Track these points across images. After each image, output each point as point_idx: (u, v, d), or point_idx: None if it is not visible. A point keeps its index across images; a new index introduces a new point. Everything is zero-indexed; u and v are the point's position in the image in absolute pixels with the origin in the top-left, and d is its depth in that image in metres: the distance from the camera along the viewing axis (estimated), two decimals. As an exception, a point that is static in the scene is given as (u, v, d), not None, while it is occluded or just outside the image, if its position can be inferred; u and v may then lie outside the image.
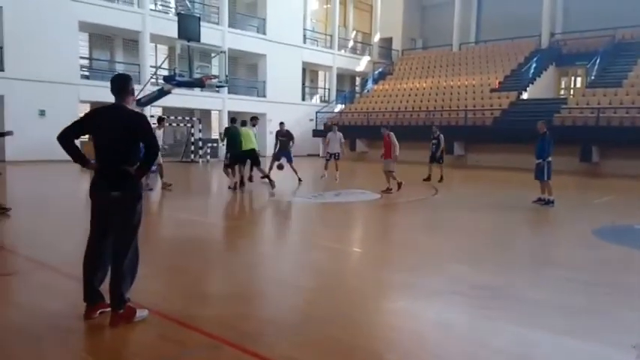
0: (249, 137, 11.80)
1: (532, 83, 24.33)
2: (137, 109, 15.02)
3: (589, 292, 4.76)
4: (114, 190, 3.54)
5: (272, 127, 24.63)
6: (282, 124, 13.92)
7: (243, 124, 12.22)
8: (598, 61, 22.77)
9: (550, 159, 9.81)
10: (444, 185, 13.79)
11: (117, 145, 3.58)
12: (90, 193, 3.66)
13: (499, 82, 24.87)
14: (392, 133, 11.71)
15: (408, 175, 14.35)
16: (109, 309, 3.60)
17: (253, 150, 11.83)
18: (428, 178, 14.50)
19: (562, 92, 27.03)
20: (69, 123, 3.70)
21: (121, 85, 3.69)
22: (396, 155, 11.58)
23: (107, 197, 3.56)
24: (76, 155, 3.62)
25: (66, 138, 3.58)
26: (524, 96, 23.58)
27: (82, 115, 4.01)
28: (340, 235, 7.48)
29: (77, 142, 3.71)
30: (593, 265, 5.86)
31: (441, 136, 14.65)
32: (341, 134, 14.81)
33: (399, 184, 11.64)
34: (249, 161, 12.00)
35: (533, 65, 24.68)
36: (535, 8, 26.85)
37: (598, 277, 5.26)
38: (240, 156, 11.77)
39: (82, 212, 8.25)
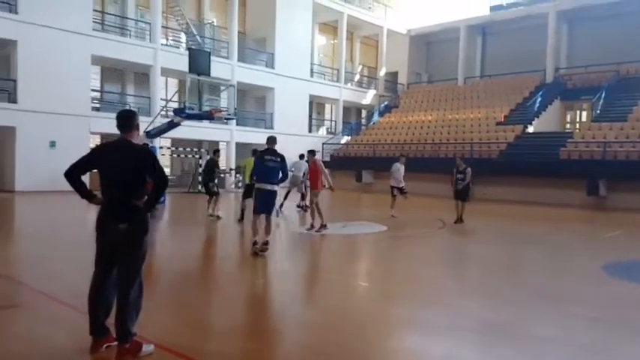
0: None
1: (537, 117, 24.45)
2: (147, 141, 14.93)
3: (597, 329, 4.69)
4: (122, 223, 3.57)
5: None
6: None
7: (254, 153, 11.88)
8: (603, 95, 22.93)
9: None
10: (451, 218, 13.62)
11: (123, 180, 3.63)
12: (97, 227, 3.70)
13: (505, 116, 24.99)
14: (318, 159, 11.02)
15: (415, 206, 14.31)
16: (115, 343, 3.59)
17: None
18: (459, 220, 12.51)
19: (568, 126, 27.13)
20: (79, 154, 3.77)
21: (127, 120, 3.76)
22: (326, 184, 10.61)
23: (115, 231, 3.58)
24: (83, 191, 3.68)
25: (73, 175, 3.65)
26: (530, 129, 23.67)
27: (89, 150, 4.08)
28: (346, 269, 7.45)
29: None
30: (602, 301, 5.78)
31: (468, 169, 12.63)
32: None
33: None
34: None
35: (539, 99, 24.87)
36: (539, 44, 27.22)
37: (607, 315, 5.18)
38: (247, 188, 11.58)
39: (89, 243, 8.25)
